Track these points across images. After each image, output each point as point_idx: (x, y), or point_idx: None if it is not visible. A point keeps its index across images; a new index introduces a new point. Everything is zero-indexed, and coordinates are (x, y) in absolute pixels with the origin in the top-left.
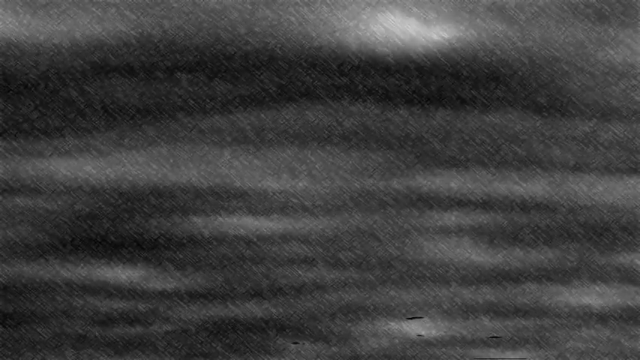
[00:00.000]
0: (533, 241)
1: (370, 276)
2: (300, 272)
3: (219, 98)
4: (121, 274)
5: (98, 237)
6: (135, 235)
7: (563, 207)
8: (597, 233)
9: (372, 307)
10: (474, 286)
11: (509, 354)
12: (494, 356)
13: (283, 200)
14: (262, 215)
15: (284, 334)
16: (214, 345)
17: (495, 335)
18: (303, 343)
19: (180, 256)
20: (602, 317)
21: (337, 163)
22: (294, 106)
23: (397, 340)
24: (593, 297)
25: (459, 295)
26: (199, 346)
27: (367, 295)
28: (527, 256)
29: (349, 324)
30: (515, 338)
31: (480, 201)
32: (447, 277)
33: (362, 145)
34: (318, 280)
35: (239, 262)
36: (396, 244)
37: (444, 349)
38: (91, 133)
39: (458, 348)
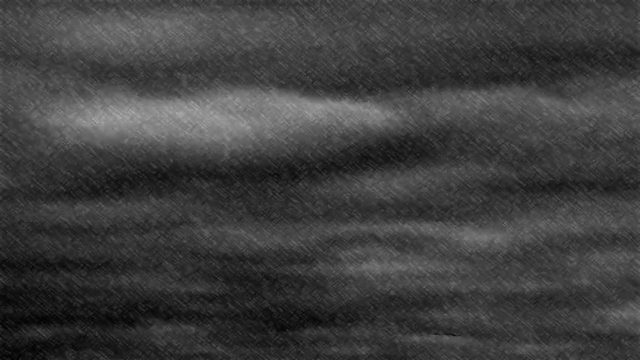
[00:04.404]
0: (533, 241)
1: (370, 276)
2: (300, 272)
3: (219, 98)
4: (121, 274)
5: (98, 237)
6: (135, 235)
7: (563, 207)
8: (597, 233)
9: (372, 307)
10: (473, 286)
11: (507, 352)
12: (494, 356)
13: (284, 200)
14: (262, 215)
15: (284, 334)
16: (214, 345)
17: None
18: (304, 344)
19: (181, 256)
20: (601, 317)
21: (337, 163)
22: (294, 106)
23: (397, 341)
24: (593, 297)
25: (459, 295)
26: (199, 346)
27: (367, 295)
28: (527, 256)
29: (349, 324)
30: (515, 339)
31: (480, 202)
32: (447, 277)
33: (362, 145)
34: (318, 280)
35: (239, 262)
36: (396, 244)
37: (443, 349)
38: (90, 133)
39: (458, 347)
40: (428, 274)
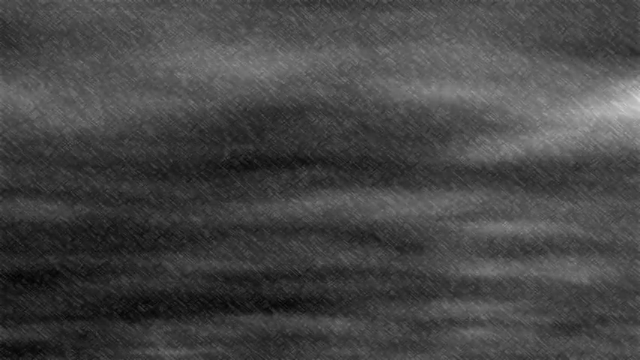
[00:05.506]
0: (533, 241)
1: (370, 276)
2: (300, 272)
3: (219, 98)
4: (121, 274)
5: (98, 237)
6: (135, 235)
7: (563, 207)
8: (597, 233)
9: (371, 307)
10: (473, 286)
11: (507, 352)
12: (494, 356)
13: (284, 200)
14: (262, 215)
15: (284, 333)
16: (214, 345)
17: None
18: (304, 343)
19: (180, 256)
20: (602, 317)
21: (337, 163)
22: (294, 106)
23: (397, 341)
24: (593, 297)
25: (459, 295)
26: (199, 346)
27: (367, 295)
28: (527, 256)
29: (349, 324)
30: (515, 338)
31: (480, 201)
32: (447, 277)
33: (361, 145)
34: (318, 280)
35: (239, 262)
36: (396, 244)
37: (443, 349)
38: (90, 133)
39: (457, 347)
40: (428, 274)
